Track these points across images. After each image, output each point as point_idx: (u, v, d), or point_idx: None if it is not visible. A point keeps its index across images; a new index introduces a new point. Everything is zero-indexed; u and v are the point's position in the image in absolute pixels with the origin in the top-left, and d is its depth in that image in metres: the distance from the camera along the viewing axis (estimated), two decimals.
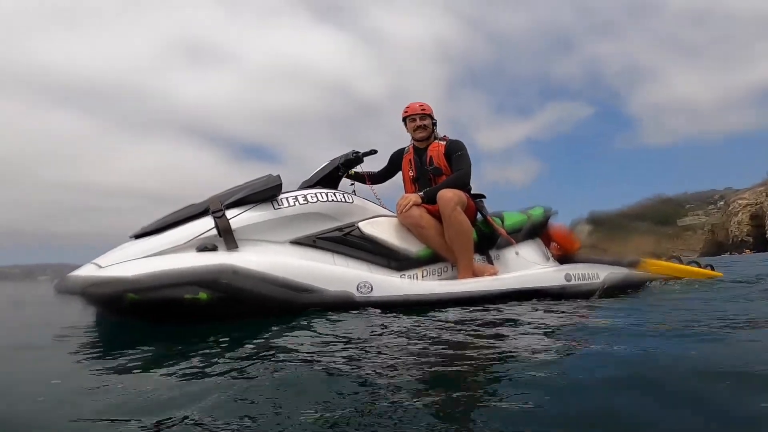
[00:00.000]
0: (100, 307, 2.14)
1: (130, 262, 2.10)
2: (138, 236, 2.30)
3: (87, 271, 2.08)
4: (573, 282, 2.87)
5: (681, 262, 3.47)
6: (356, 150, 2.89)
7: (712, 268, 3.49)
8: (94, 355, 1.56)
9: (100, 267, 2.09)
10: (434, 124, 3.05)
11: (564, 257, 3.08)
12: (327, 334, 1.68)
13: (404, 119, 3.07)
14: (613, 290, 2.94)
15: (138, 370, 1.28)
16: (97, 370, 1.27)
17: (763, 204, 68.19)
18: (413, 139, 3.06)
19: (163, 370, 1.24)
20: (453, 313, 2.17)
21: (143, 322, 2.09)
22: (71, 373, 1.29)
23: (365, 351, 1.41)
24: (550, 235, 3.12)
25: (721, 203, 77.24)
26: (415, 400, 0.93)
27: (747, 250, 55.80)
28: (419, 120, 2.99)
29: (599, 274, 2.98)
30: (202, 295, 2.03)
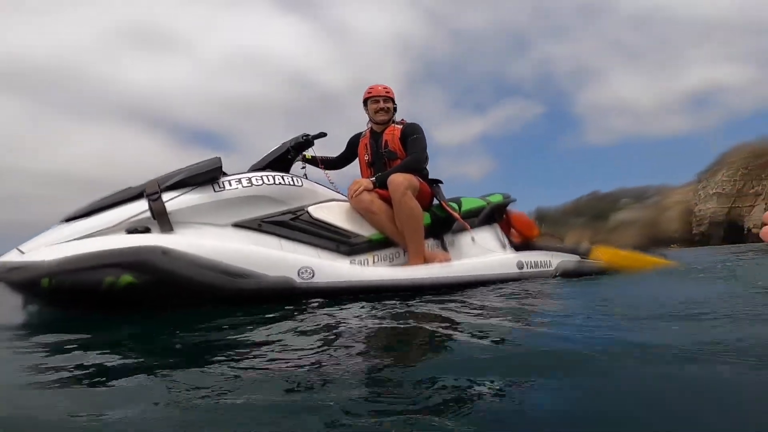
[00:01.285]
0: (20, 293, 2.03)
1: (53, 246, 2.00)
2: (69, 220, 2.18)
3: (7, 257, 2.00)
4: (525, 270, 2.84)
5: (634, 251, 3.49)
6: (306, 133, 2.78)
7: (665, 257, 3.55)
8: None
9: (22, 252, 2.00)
10: (395, 109, 2.95)
11: (523, 244, 3.06)
12: (267, 325, 1.58)
13: (365, 101, 2.96)
14: (566, 277, 2.94)
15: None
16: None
17: (690, 202, 71.43)
18: (373, 121, 2.96)
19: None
20: (397, 301, 2.01)
21: (67, 311, 1.98)
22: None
23: (296, 346, 1.30)
24: (509, 222, 3.09)
25: (653, 200, 79.43)
26: (355, 397, 0.87)
27: (674, 245, 55.14)
28: (382, 102, 2.90)
29: (552, 261, 2.97)
30: (126, 278, 1.90)
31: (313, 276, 2.26)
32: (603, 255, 3.22)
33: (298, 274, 2.23)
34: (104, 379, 1.07)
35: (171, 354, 1.32)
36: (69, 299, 1.96)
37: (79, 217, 2.18)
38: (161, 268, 1.97)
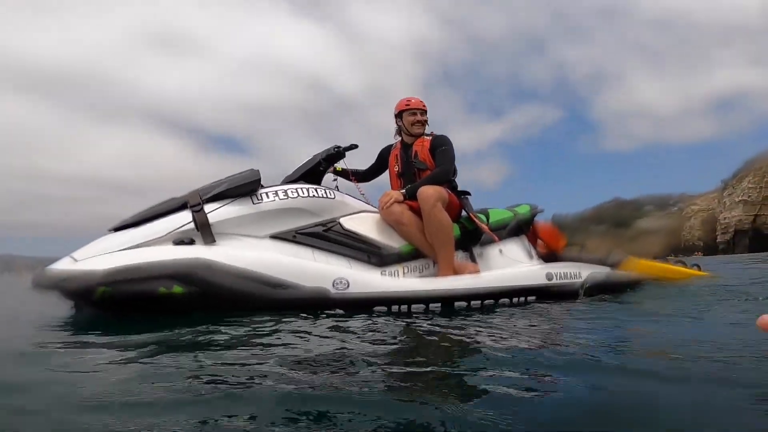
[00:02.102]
0: (74, 300, 2.14)
1: (105, 255, 2.09)
2: (117, 229, 2.27)
3: (62, 265, 2.08)
4: (554, 281, 2.83)
5: (667, 261, 3.40)
6: (338, 145, 2.85)
7: (699, 268, 3.42)
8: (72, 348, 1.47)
9: (75, 260, 2.09)
10: (426, 122, 3.01)
11: (550, 255, 3.04)
12: (300, 334, 1.62)
13: (401, 113, 2.98)
14: (596, 290, 2.91)
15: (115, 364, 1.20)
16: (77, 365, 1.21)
17: (714, 210, 71.22)
18: (407, 133, 2.98)
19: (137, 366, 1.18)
20: (428, 313, 2.12)
21: (117, 315, 2.08)
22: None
23: (332, 354, 1.32)
24: (536, 233, 3.08)
25: (676, 208, 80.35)
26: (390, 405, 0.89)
27: (698, 253, 55.68)
28: (420, 115, 2.94)
29: (581, 273, 2.95)
30: (177, 288, 2.03)
31: (347, 287, 2.31)
32: (635, 266, 3.15)
33: (333, 285, 2.29)
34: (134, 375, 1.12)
35: (204, 353, 1.36)
36: (120, 306, 2.06)
37: (128, 227, 2.27)
38: (207, 280, 2.08)
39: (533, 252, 3.02)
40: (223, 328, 1.69)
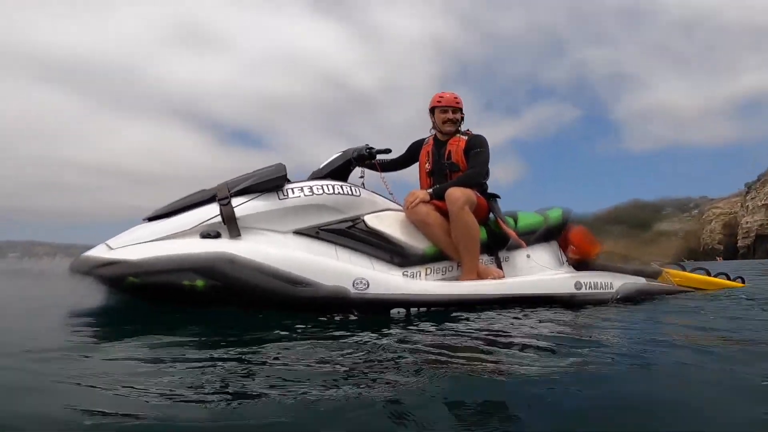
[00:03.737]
0: (106, 287, 2.20)
1: (137, 245, 2.17)
2: (151, 219, 2.36)
3: (97, 252, 2.17)
4: (583, 290, 2.72)
5: (709, 274, 3.24)
6: (370, 146, 2.83)
7: (743, 281, 3.29)
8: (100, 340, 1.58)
9: (110, 248, 2.17)
10: (462, 119, 2.91)
11: (581, 262, 2.92)
12: (318, 337, 1.65)
13: (433, 109, 2.91)
14: (628, 301, 2.80)
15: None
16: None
17: (736, 214, 70.39)
18: (439, 130, 2.92)
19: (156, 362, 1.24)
20: (448, 317, 2.09)
21: (147, 302, 2.17)
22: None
23: (358, 356, 1.35)
24: (568, 238, 2.95)
25: (696, 211, 78.81)
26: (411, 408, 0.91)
27: (719, 257, 53.75)
28: (452, 113, 2.85)
29: (613, 283, 2.83)
30: (199, 282, 2.08)
31: (367, 287, 2.30)
32: (673, 279, 3.03)
33: (353, 285, 2.28)
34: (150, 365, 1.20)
35: (221, 347, 1.44)
36: (148, 295, 2.14)
37: (160, 217, 2.34)
38: (228, 275, 2.12)
39: (563, 258, 2.92)
40: (244, 327, 1.74)
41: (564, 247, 2.94)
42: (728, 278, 3.24)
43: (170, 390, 1.01)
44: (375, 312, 2.25)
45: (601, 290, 2.79)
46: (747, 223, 67.06)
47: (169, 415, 0.88)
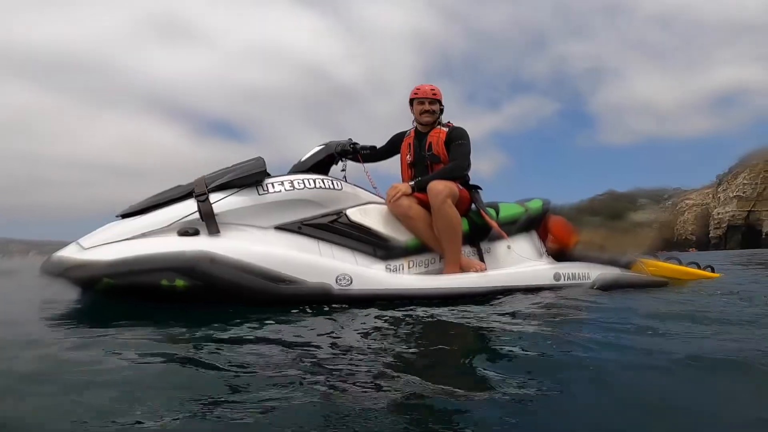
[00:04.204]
0: (79, 287, 2.13)
1: (111, 244, 2.10)
2: (124, 216, 2.27)
3: (68, 253, 2.09)
4: (562, 281, 2.79)
5: (680, 263, 3.31)
6: (354, 141, 2.82)
7: (712, 269, 3.37)
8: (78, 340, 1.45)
9: (83, 248, 2.09)
10: (441, 111, 2.92)
11: (560, 252, 2.99)
12: (304, 330, 1.65)
13: (411, 101, 2.91)
14: (605, 291, 2.84)
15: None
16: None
17: (708, 205, 71.87)
18: (418, 122, 2.92)
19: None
20: (433, 309, 2.08)
21: (122, 302, 2.07)
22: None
23: (340, 349, 1.35)
24: (547, 228, 3.01)
25: (670, 202, 79.05)
26: (395, 402, 0.91)
27: (692, 249, 55.42)
28: (428, 104, 2.85)
29: (590, 273, 2.90)
30: (179, 282, 2.03)
31: (350, 283, 2.30)
32: (647, 268, 3.09)
33: (336, 281, 2.27)
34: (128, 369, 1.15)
35: (203, 348, 1.38)
36: (125, 295, 2.08)
37: (135, 214, 2.26)
38: (209, 274, 2.07)
39: (543, 249, 2.97)
40: (223, 323, 1.70)
41: (543, 237, 2.98)
42: (699, 267, 3.32)
43: (139, 390, 1.00)
44: (358, 306, 2.21)
45: (580, 281, 2.85)
46: (718, 214, 68.51)
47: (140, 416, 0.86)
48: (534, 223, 2.97)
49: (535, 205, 3.01)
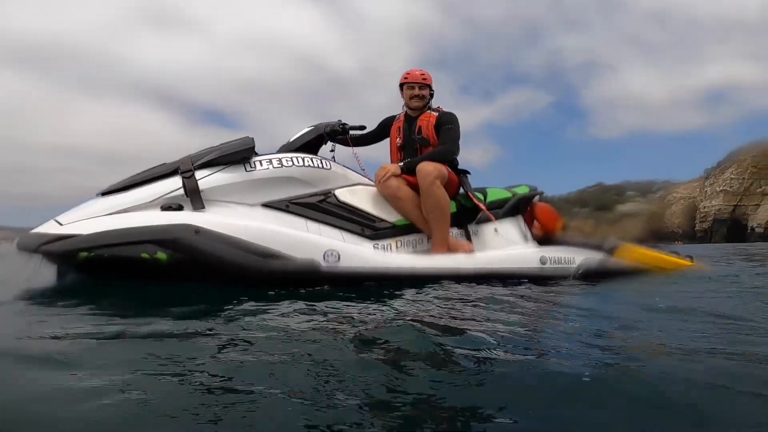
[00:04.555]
0: (57, 264, 2.10)
1: (90, 219, 2.04)
2: (105, 194, 2.22)
3: (45, 229, 2.04)
4: (548, 265, 2.81)
5: (662, 251, 3.38)
6: (343, 122, 2.79)
7: (692, 259, 3.39)
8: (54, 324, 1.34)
9: (60, 224, 2.04)
10: (431, 95, 2.93)
11: (545, 237, 3.02)
12: (293, 312, 1.57)
13: (401, 85, 2.92)
14: (590, 276, 2.88)
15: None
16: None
17: (695, 198, 72.29)
18: (407, 107, 2.93)
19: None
20: (420, 289, 2.05)
21: (102, 281, 2.02)
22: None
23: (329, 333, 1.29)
24: (534, 214, 3.05)
25: (658, 195, 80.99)
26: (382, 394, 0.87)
27: (678, 241, 55.42)
28: (418, 89, 2.86)
29: (575, 258, 2.92)
30: (161, 255, 1.97)
31: (338, 260, 2.27)
32: (629, 254, 3.10)
33: (324, 257, 2.24)
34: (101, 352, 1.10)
35: (182, 328, 1.30)
36: (104, 271, 2.02)
37: (116, 192, 2.21)
38: (193, 247, 2.03)
39: (528, 234, 2.99)
40: (204, 304, 1.64)
41: (529, 223, 3.02)
42: (679, 256, 3.37)
43: (132, 375, 0.92)
44: (346, 285, 2.18)
45: (564, 265, 2.89)
46: (705, 207, 69.46)
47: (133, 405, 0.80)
48: (520, 208, 3.01)
49: (522, 190, 3.05)
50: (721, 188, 67.74)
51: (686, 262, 3.32)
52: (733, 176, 67.92)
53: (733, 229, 63.24)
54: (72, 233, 1.99)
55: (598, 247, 3.06)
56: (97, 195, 2.25)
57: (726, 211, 66.26)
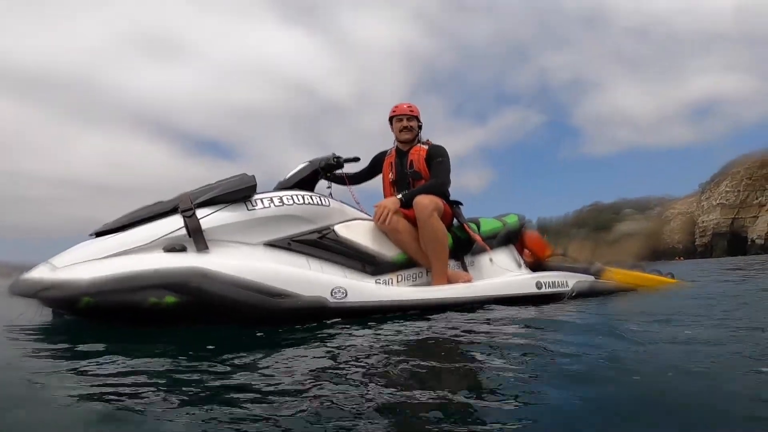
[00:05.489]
0: (54, 309, 2.04)
1: (88, 263, 1.96)
2: (99, 234, 2.14)
3: (40, 273, 1.94)
4: (543, 290, 2.87)
5: (644, 270, 3.50)
6: (337, 155, 2.82)
7: (673, 276, 3.53)
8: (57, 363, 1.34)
9: (55, 267, 1.95)
10: (419, 127, 3.00)
11: (535, 264, 3.14)
12: (302, 345, 1.61)
13: (390, 119, 3.00)
14: (582, 297, 2.98)
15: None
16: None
17: (693, 213, 72.09)
18: (398, 140, 3.00)
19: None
20: (425, 321, 2.10)
21: (102, 323, 1.96)
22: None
23: (339, 364, 1.31)
24: (523, 242, 3.16)
25: (655, 211, 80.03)
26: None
27: (679, 257, 56.05)
28: (406, 121, 2.93)
29: (568, 282, 3.01)
30: (169, 299, 1.92)
31: (345, 296, 2.27)
32: (614, 275, 3.28)
33: (332, 294, 2.24)
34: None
35: (192, 369, 1.29)
36: (109, 317, 1.95)
37: (111, 232, 2.15)
38: (203, 290, 1.98)
39: (521, 260, 3.11)
40: (210, 341, 1.65)
41: (520, 250, 3.15)
42: (660, 274, 3.52)
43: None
44: (352, 317, 2.22)
45: (559, 288, 2.98)
46: (703, 222, 69.44)
47: None
48: (512, 237, 3.12)
49: (512, 219, 3.16)
50: (717, 202, 67.73)
51: (668, 280, 3.48)
52: (728, 189, 68.03)
53: (733, 242, 62.96)
54: (72, 278, 1.89)
55: (585, 271, 3.22)
56: (91, 235, 2.18)
57: (724, 225, 66.10)
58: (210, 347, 1.59)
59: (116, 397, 1.01)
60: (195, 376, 1.18)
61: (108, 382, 1.13)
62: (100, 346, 1.51)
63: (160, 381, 1.14)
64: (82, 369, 1.25)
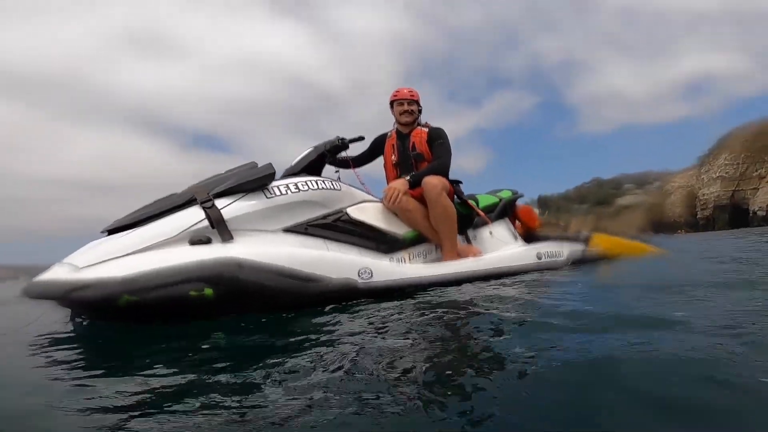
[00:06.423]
0: (87, 311, 1.99)
1: (114, 260, 1.91)
2: (111, 231, 2.13)
3: (64, 273, 1.87)
4: (543, 260, 3.10)
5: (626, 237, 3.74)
6: (342, 137, 2.89)
7: (655, 245, 3.78)
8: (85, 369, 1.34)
9: (78, 267, 1.88)
10: (419, 111, 3.12)
11: (527, 235, 3.36)
12: (320, 329, 1.64)
13: (391, 103, 3.12)
14: (576, 264, 3.24)
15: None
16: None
17: (694, 186, 71.09)
18: (398, 123, 3.13)
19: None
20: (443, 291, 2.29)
21: (134, 324, 1.92)
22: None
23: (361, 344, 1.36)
24: (516, 214, 3.39)
25: (655, 185, 78.53)
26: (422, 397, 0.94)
27: (680, 230, 55.66)
28: (407, 105, 3.05)
29: (563, 251, 3.24)
30: (208, 291, 1.92)
31: (371, 276, 2.36)
32: (600, 242, 3.52)
33: (359, 275, 2.33)
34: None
35: (219, 359, 1.37)
36: (147, 314, 1.91)
37: (125, 228, 2.12)
38: (240, 279, 2.00)
39: (516, 233, 3.32)
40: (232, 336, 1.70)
41: (513, 222, 3.37)
42: (644, 242, 3.79)
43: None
44: (378, 297, 2.30)
45: (556, 258, 3.23)
46: (704, 195, 68.31)
47: None
48: (507, 211, 3.34)
49: (506, 194, 3.37)
50: (717, 175, 66.41)
51: (651, 248, 3.73)
52: (727, 162, 67.00)
53: (735, 214, 62.38)
54: (105, 276, 1.83)
55: (576, 239, 3.47)
56: (103, 232, 2.15)
57: (725, 197, 65.01)
58: (223, 343, 1.64)
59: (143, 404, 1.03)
60: (214, 376, 1.19)
61: (128, 390, 1.12)
62: (129, 350, 1.56)
63: (183, 381, 1.16)
64: (105, 375, 1.29)
